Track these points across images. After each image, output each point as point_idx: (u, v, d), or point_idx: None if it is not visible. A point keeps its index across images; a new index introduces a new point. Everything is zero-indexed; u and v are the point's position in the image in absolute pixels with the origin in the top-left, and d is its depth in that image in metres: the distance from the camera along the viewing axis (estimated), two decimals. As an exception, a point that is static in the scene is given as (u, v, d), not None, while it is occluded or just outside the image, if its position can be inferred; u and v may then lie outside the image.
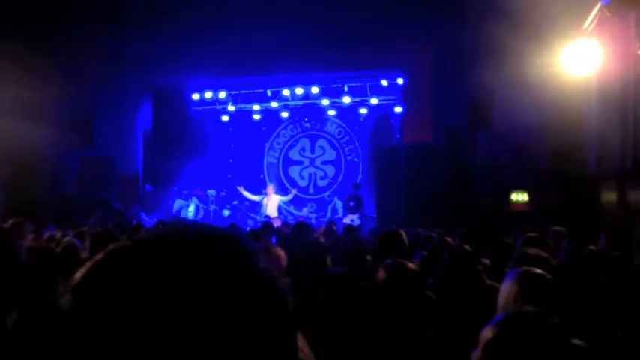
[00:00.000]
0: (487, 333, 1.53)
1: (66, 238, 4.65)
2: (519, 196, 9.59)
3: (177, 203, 13.30)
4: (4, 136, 9.49)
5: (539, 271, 2.32)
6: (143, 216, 11.67)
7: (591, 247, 3.65)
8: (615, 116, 7.03)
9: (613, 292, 2.62)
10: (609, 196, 7.92)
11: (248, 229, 8.40)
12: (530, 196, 9.63)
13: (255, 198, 12.73)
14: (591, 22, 8.10)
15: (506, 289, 2.31)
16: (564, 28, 8.53)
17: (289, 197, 12.91)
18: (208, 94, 14.01)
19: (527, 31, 8.27)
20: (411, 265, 2.81)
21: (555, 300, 2.26)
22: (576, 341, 1.79)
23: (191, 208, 13.39)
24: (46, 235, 5.69)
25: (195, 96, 14.19)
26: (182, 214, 13.03)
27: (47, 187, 10.56)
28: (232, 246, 0.58)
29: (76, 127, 11.95)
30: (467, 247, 3.56)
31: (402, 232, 3.74)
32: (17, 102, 9.81)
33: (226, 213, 13.68)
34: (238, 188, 12.93)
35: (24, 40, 9.55)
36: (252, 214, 13.23)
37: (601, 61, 7.79)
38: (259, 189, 13.60)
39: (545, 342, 1.43)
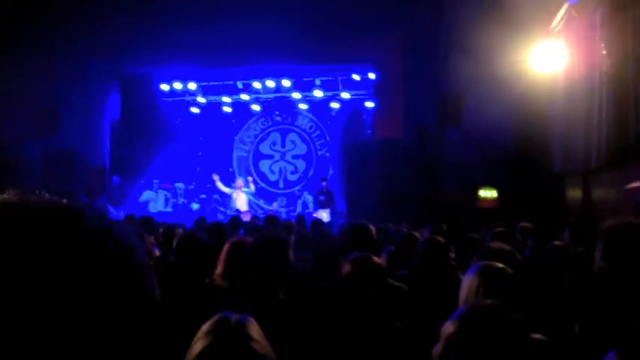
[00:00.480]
0: (448, 327, 1.49)
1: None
2: (487, 193, 9.71)
3: (145, 195, 13.03)
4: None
5: (500, 265, 2.31)
6: (110, 209, 11.39)
7: (556, 242, 3.68)
8: (580, 115, 7.16)
9: (575, 286, 2.63)
10: (574, 193, 8.08)
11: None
12: (498, 192, 9.75)
13: (226, 190, 12.57)
14: (559, 22, 8.22)
15: (467, 282, 2.30)
16: (534, 27, 8.64)
17: (252, 188, 12.75)
18: (178, 85, 13.74)
19: (498, 29, 8.35)
20: (376, 259, 2.77)
21: (516, 294, 2.25)
22: (536, 335, 1.77)
23: (160, 200, 13.15)
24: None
25: (165, 86, 13.91)
26: (150, 207, 12.77)
27: (8, 179, 10.18)
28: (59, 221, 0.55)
29: (40, 117, 11.54)
30: (440, 238, 3.54)
31: (371, 226, 3.70)
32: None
33: (195, 206, 13.48)
34: (214, 176, 12.75)
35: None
36: (221, 208, 13.08)
37: (567, 60, 7.92)
38: (229, 182, 13.45)
39: (505, 336, 1.40)
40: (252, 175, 13.68)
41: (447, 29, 9.71)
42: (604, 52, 6.42)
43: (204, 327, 1.27)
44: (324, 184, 11.96)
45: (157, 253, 4.62)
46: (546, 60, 8.33)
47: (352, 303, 2.72)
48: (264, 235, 2.83)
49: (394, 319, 2.77)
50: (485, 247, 3.09)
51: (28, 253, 0.50)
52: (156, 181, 13.11)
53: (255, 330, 1.28)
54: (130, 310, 0.55)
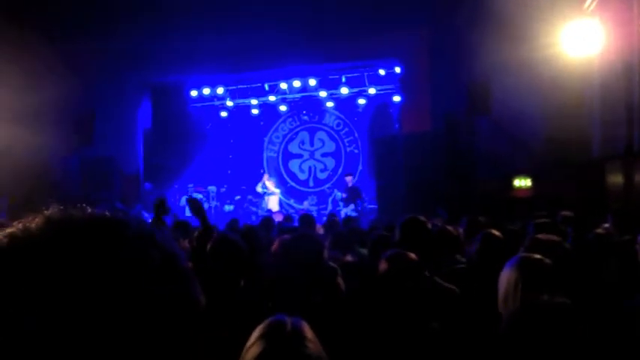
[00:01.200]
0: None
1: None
2: (522, 182, 9.48)
3: (184, 199, 13.20)
4: (5, 142, 9.44)
5: (538, 256, 2.25)
6: (145, 214, 11.61)
7: (598, 230, 3.55)
8: (620, 97, 6.91)
9: (622, 277, 2.53)
10: (615, 178, 7.82)
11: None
12: (533, 181, 9.51)
13: (276, 190, 12.74)
14: (592, 2, 7.95)
15: (506, 276, 2.25)
16: (564, 8, 8.40)
17: (273, 189, 12.87)
18: (206, 91, 13.93)
19: (526, 13, 8.14)
20: (412, 255, 2.72)
21: (557, 285, 2.19)
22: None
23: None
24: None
25: (194, 93, 14.11)
26: (187, 211, 12.95)
27: (50, 190, 10.51)
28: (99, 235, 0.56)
29: (76, 128, 11.89)
30: (497, 233, 3.40)
31: (426, 220, 3.52)
32: (16, 106, 9.75)
33: (228, 208, 13.61)
34: (264, 175, 12.94)
35: (21, 43, 9.47)
36: (254, 209, 13.17)
37: (603, 41, 7.64)
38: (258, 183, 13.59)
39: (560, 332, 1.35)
40: (277, 181, 13.74)
41: (470, 16, 9.51)
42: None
43: (258, 331, 1.25)
44: (348, 179, 11.94)
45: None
46: (579, 42, 8.06)
47: (388, 301, 2.68)
48: (298, 237, 2.81)
49: (431, 317, 2.72)
50: (531, 239, 3.00)
51: (76, 267, 0.52)
52: (190, 185, 13.29)
53: (309, 333, 1.26)
54: (177, 317, 0.55)
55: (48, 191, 11.07)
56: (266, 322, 1.27)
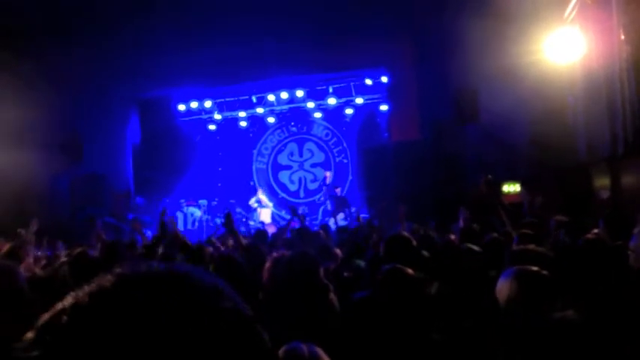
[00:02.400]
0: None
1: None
2: (511, 187, 9.60)
3: (180, 215, 13.15)
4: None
5: (535, 268, 2.32)
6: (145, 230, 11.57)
7: (590, 235, 3.63)
8: (603, 101, 7.07)
9: (620, 282, 2.60)
10: (602, 181, 7.96)
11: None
12: (521, 186, 9.63)
13: (269, 204, 12.77)
14: (572, 10, 8.14)
15: (504, 287, 2.30)
16: (546, 16, 8.57)
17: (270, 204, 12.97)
18: (194, 104, 13.94)
19: (509, 21, 8.30)
20: (409, 270, 2.76)
21: (555, 295, 2.25)
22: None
23: (197, 214, 13.24)
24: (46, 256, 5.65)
25: (182, 107, 14.12)
26: (185, 225, 12.92)
27: (39, 210, 10.43)
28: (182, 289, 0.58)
29: (64, 148, 11.80)
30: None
31: (411, 237, 3.61)
32: (2, 128, 9.67)
33: (219, 221, 13.57)
34: (258, 190, 12.96)
35: (6, 63, 9.42)
36: (246, 221, 13.16)
37: (584, 48, 7.82)
38: (249, 195, 13.58)
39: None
40: (268, 193, 13.78)
41: (455, 25, 9.66)
42: (622, 38, 6.33)
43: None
44: (337, 191, 12.02)
45: None
46: (562, 49, 8.24)
47: (385, 314, 2.72)
48: (294, 256, 2.83)
49: (430, 329, 2.76)
50: (514, 251, 3.07)
51: (156, 323, 0.53)
52: (182, 200, 13.25)
53: (325, 357, 1.30)
54: None
55: (36, 211, 10.96)
56: (283, 349, 1.30)
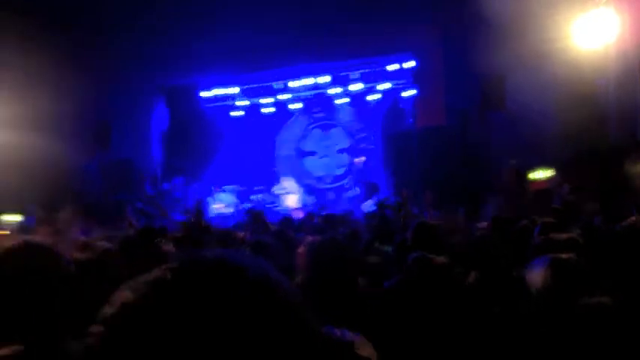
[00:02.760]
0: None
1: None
2: (540, 174, 9.51)
3: (210, 200, 13.32)
4: (28, 153, 9.69)
5: (567, 255, 2.35)
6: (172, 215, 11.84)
7: (628, 221, 3.62)
8: (637, 84, 6.92)
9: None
10: (636, 166, 7.82)
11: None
12: (550, 173, 9.54)
13: (295, 189, 12.89)
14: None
15: (538, 275, 2.34)
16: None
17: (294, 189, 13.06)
18: (219, 91, 14.07)
19: (537, 5, 8.16)
20: (438, 258, 2.82)
21: (589, 282, 2.28)
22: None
23: (228, 199, 13.39)
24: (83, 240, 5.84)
25: (207, 94, 14.26)
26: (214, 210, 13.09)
27: (72, 195, 10.76)
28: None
29: (94, 134, 12.12)
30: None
31: (437, 225, 3.64)
32: (37, 117, 9.97)
33: (247, 206, 13.74)
34: (283, 176, 13.06)
35: (37, 53, 9.67)
36: (273, 207, 13.30)
37: (618, 30, 7.64)
38: (275, 181, 13.73)
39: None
40: (294, 179, 13.89)
41: (483, 9, 9.53)
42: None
43: None
44: (358, 161, 12.04)
45: None
46: (592, 32, 8.07)
47: (414, 302, 2.79)
48: (324, 243, 2.90)
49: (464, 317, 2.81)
50: (542, 240, 3.08)
51: (213, 314, 0.55)
52: (213, 187, 13.41)
53: (363, 348, 1.37)
54: (305, 353, 0.59)
55: (70, 196, 11.32)
56: None
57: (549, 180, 9.36)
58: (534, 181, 9.51)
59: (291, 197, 12.29)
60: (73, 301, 1.42)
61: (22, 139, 9.66)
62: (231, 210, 12.92)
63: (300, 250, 3.19)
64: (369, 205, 11.32)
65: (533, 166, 9.60)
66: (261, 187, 13.72)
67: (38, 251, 1.44)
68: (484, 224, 5.16)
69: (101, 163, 12.21)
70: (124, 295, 0.58)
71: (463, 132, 10.60)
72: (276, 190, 13.02)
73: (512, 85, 9.84)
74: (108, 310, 0.57)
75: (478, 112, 10.38)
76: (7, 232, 6.49)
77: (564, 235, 3.09)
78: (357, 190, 12.74)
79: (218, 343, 0.54)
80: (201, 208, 4.89)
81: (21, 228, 7.99)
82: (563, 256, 2.35)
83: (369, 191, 11.71)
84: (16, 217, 9.51)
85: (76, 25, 10.85)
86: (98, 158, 12.22)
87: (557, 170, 9.23)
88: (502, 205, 5.94)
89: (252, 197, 13.76)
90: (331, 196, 13.96)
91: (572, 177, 8.76)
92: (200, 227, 5.21)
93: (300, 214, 9.02)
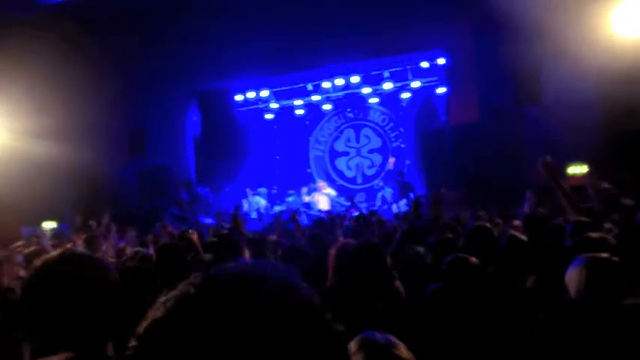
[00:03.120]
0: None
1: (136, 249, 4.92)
2: (577, 169, 9.23)
3: (246, 203, 13.45)
4: (65, 161, 9.98)
5: (605, 255, 2.27)
6: (201, 218, 12.03)
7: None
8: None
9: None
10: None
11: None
12: (589, 167, 9.23)
13: (329, 190, 12.91)
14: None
15: (574, 276, 2.27)
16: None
17: (332, 192, 13.03)
18: (251, 95, 14.20)
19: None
20: (473, 259, 2.76)
21: (626, 282, 2.20)
22: None
23: (262, 202, 13.50)
24: (120, 246, 5.97)
25: (239, 97, 14.41)
26: (252, 213, 13.21)
27: (110, 201, 11.05)
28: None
29: (130, 141, 12.43)
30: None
31: (493, 229, 3.56)
32: (72, 125, 10.27)
33: (279, 209, 13.82)
34: (319, 183, 13.11)
35: (73, 64, 9.97)
36: (305, 210, 13.34)
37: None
38: (307, 182, 13.77)
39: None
40: (326, 180, 13.90)
41: (516, 3, 9.30)
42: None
43: (353, 345, 1.35)
44: (390, 162, 12.01)
45: None
46: (632, 20, 7.78)
47: (452, 305, 2.74)
48: (361, 246, 2.88)
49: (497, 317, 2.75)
50: (577, 240, 2.97)
51: (239, 327, 0.57)
52: (248, 189, 13.51)
53: (404, 351, 1.35)
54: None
55: (107, 202, 11.62)
56: (358, 338, 1.37)
57: (586, 176, 9.07)
58: (571, 177, 9.22)
59: (323, 198, 12.29)
60: (117, 310, 1.45)
61: (59, 148, 9.98)
62: (263, 212, 13.01)
63: (332, 252, 3.17)
64: (401, 205, 11.22)
65: (570, 162, 9.31)
66: (294, 191, 13.78)
67: (81, 261, 1.46)
68: (517, 222, 5.03)
69: (137, 169, 12.51)
70: (155, 310, 0.61)
71: (497, 127, 10.36)
72: (308, 191, 13.04)
73: (548, 77, 9.58)
74: (142, 325, 0.61)
75: (513, 107, 10.13)
76: (23, 242, 6.69)
77: (597, 235, 2.97)
78: (390, 191, 12.64)
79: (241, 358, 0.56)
80: (239, 214, 4.93)
81: (55, 235, 8.22)
82: (600, 255, 2.27)
83: (404, 190, 11.60)
84: (53, 224, 9.81)
85: (111, 33, 11.12)
86: (134, 165, 12.52)
87: (594, 165, 8.93)
88: (536, 203, 5.76)
89: (287, 199, 13.83)
90: (362, 196, 13.90)
91: (609, 171, 8.46)
92: (239, 234, 5.25)
93: (332, 216, 8.99)
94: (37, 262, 1.44)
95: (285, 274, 0.65)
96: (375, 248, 2.71)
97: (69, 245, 5.82)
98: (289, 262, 3.19)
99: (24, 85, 9.56)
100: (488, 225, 3.47)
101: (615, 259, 2.27)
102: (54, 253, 1.48)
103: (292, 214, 6.93)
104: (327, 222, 7.00)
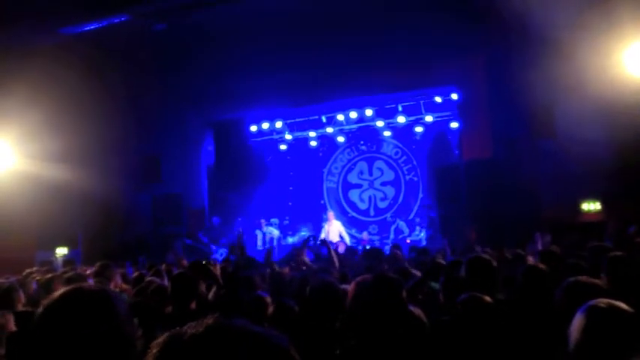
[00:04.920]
0: None
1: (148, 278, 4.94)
2: (591, 206, 9.15)
3: (260, 234, 13.48)
4: (79, 186, 10.10)
5: (611, 303, 2.13)
6: (212, 247, 12.07)
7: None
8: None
9: None
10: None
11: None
12: (602, 204, 9.16)
13: (338, 223, 12.92)
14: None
15: (576, 323, 2.16)
16: (625, 26, 8.19)
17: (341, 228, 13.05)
18: (265, 125, 14.39)
19: (588, 33, 8.01)
20: (487, 298, 2.75)
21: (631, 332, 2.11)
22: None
23: (276, 233, 13.52)
24: (134, 275, 5.97)
25: (253, 128, 14.61)
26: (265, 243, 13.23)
27: (123, 227, 11.15)
28: None
29: (145, 167, 12.61)
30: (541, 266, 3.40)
31: (493, 260, 3.55)
32: (88, 151, 10.43)
33: (291, 240, 13.82)
34: (329, 213, 13.12)
35: (92, 91, 10.19)
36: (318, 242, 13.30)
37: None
38: (320, 214, 13.77)
39: None
40: (338, 212, 13.91)
41: (529, 39, 9.41)
42: None
43: None
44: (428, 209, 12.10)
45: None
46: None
47: (467, 344, 2.72)
48: (378, 281, 2.88)
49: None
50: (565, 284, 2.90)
51: None
52: (262, 220, 13.53)
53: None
54: None
55: (120, 227, 11.73)
56: None
57: (601, 213, 8.99)
58: (585, 213, 9.14)
59: (333, 229, 12.28)
60: (130, 342, 1.37)
61: (74, 173, 10.10)
62: (275, 244, 13.03)
63: (351, 288, 3.18)
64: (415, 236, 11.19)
65: (584, 197, 9.24)
66: (308, 223, 13.80)
67: (91, 299, 1.34)
68: (531, 260, 4.99)
69: (151, 197, 12.65)
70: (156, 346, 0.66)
71: (511, 163, 10.34)
72: (322, 223, 13.06)
73: (562, 113, 9.60)
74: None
75: (526, 142, 10.13)
76: (36, 268, 6.76)
77: (591, 279, 2.86)
78: (403, 224, 12.62)
79: None
80: (242, 243, 4.95)
81: (66, 262, 8.27)
82: (602, 303, 2.07)
83: (432, 224, 11.62)
84: (64, 250, 9.84)
85: (129, 61, 11.40)
86: (148, 192, 12.67)
87: (608, 203, 8.86)
88: (551, 240, 5.72)
89: (301, 232, 13.82)
90: (375, 229, 13.86)
91: (617, 209, 8.39)
92: (243, 264, 5.25)
93: (342, 248, 8.99)
94: (40, 307, 1.33)
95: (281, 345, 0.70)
96: (391, 282, 2.73)
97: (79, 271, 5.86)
98: (318, 299, 3.16)
99: (41, 110, 9.70)
100: (486, 256, 3.48)
101: (623, 307, 2.15)
102: (59, 292, 1.37)
103: (321, 241, 6.91)
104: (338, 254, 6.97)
